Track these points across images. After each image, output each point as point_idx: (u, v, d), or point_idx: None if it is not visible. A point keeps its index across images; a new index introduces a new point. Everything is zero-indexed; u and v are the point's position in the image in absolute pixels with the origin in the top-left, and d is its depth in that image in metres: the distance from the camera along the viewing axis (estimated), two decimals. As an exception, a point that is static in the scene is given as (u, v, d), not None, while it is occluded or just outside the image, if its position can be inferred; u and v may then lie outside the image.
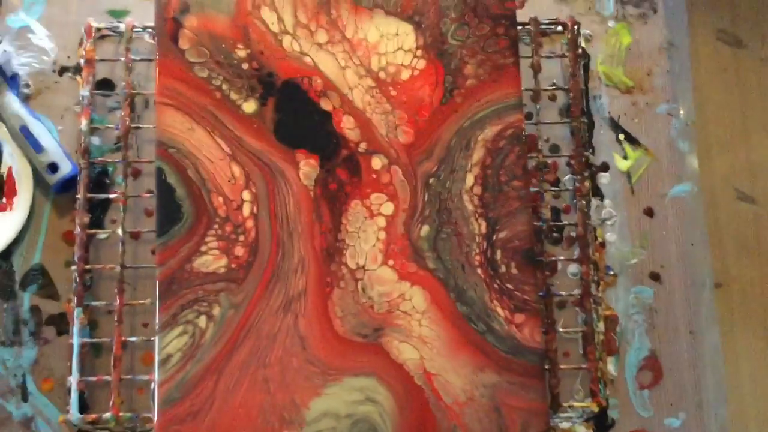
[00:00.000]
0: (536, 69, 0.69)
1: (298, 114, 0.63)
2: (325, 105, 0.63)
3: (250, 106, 0.63)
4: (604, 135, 0.72)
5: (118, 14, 0.72)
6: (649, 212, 0.71)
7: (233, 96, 0.63)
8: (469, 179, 0.63)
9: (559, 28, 0.71)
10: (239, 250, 0.61)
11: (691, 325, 0.69)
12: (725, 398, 0.69)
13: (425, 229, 0.62)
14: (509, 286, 0.62)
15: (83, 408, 0.65)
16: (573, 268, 0.69)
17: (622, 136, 0.72)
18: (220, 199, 0.61)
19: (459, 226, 0.62)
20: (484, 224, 0.62)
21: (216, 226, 0.61)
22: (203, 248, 0.61)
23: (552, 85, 0.72)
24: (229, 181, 0.62)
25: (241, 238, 0.61)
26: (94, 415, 0.63)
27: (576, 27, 0.70)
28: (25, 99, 0.70)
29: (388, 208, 0.62)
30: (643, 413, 0.68)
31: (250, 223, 0.61)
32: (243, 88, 0.63)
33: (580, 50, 0.71)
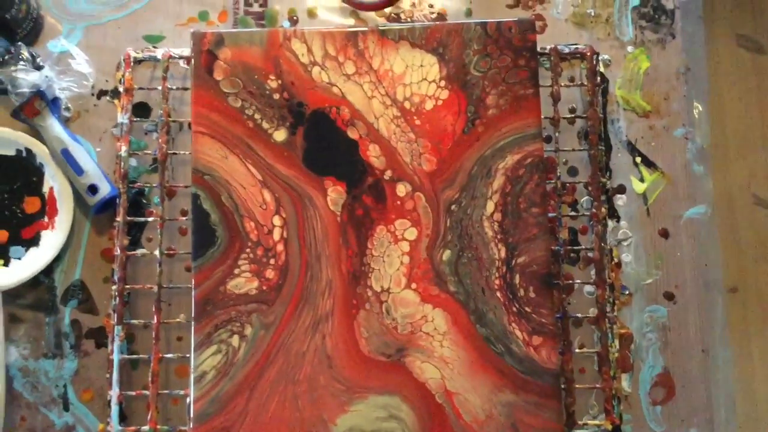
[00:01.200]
0: (556, 98, 0.71)
1: (326, 142, 0.66)
2: (352, 134, 0.66)
3: (280, 135, 0.66)
4: (621, 158, 0.74)
5: (153, 40, 0.75)
6: (665, 233, 0.73)
7: (265, 125, 0.65)
8: (490, 206, 0.65)
9: (579, 55, 0.74)
10: (270, 273, 0.64)
11: (703, 343, 0.72)
12: (735, 415, 0.71)
13: (447, 254, 0.65)
14: (527, 309, 0.64)
15: (122, 419, 0.68)
16: (590, 287, 0.71)
17: (638, 159, 0.74)
18: (252, 223, 0.64)
19: (479, 251, 0.65)
20: (503, 249, 0.65)
21: (248, 250, 0.64)
22: (236, 271, 0.64)
23: (572, 111, 0.74)
24: (260, 206, 0.65)
25: (272, 261, 0.64)
26: (133, 428, 0.67)
27: (595, 56, 0.73)
28: (66, 122, 0.73)
29: (412, 233, 0.65)
30: (655, 428, 0.70)
31: (280, 247, 0.64)
32: (274, 118, 0.66)
33: (598, 78, 0.73)
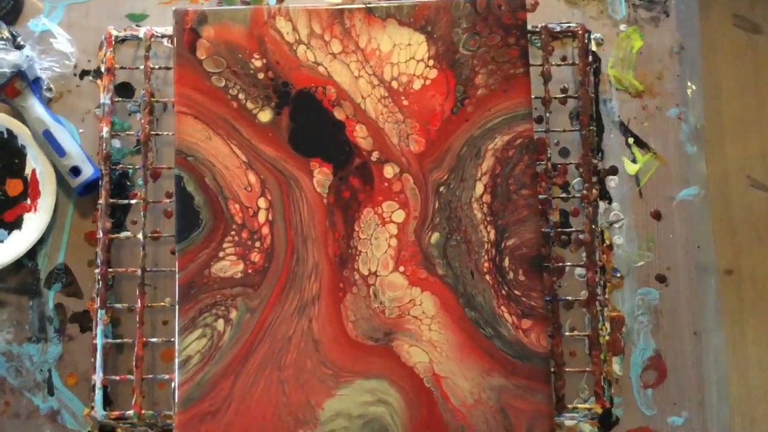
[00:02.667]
0: (547, 77, 0.70)
1: (312, 123, 0.64)
2: (339, 114, 0.64)
3: (265, 116, 0.64)
4: (613, 139, 0.73)
5: (137, 18, 0.73)
6: (657, 215, 0.72)
7: (249, 105, 0.64)
8: (479, 188, 0.64)
9: (570, 33, 0.72)
10: (255, 256, 0.63)
11: (695, 326, 0.71)
12: (727, 398, 0.71)
13: (435, 237, 0.64)
14: (517, 292, 0.63)
15: (106, 403, 0.68)
16: (581, 270, 0.71)
17: (631, 140, 0.73)
18: (237, 206, 0.63)
19: (468, 234, 0.64)
20: (492, 232, 0.64)
21: (233, 233, 0.63)
22: (221, 254, 0.63)
23: (562, 91, 0.72)
24: (245, 188, 0.64)
25: (257, 244, 0.63)
26: (117, 412, 0.66)
27: (586, 35, 0.71)
28: (48, 102, 0.72)
29: (400, 215, 0.64)
30: (646, 411, 0.70)
31: (265, 230, 0.63)
32: (259, 98, 0.64)
33: (590, 56, 0.72)
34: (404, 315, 0.63)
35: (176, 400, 0.62)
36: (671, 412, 0.70)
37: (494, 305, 0.63)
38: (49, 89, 0.72)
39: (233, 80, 0.64)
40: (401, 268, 0.63)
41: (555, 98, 0.71)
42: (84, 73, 0.73)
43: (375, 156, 0.64)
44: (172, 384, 0.64)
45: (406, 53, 0.65)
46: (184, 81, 0.64)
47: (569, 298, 0.70)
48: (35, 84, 0.71)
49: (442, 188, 0.64)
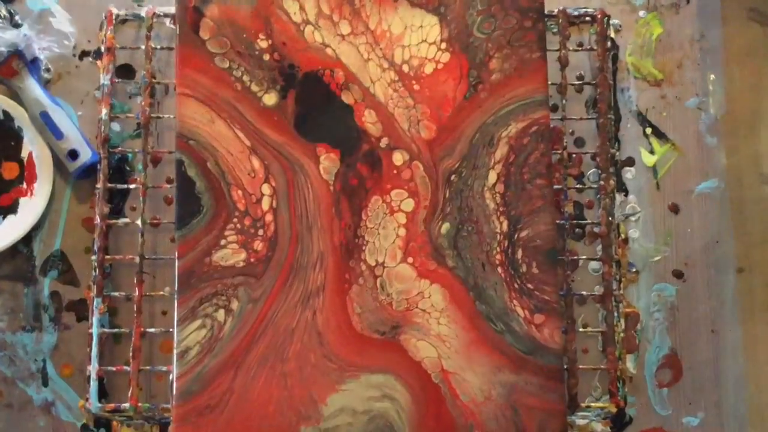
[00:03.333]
0: (564, 63, 0.67)
1: (319, 107, 0.62)
2: (347, 98, 0.62)
3: (270, 99, 0.62)
4: (630, 128, 0.71)
5: (138, -2, 0.71)
6: (675, 209, 0.70)
7: (254, 88, 0.62)
8: (492, 176, 0.62)
9: (588, 18, 0.70)
10: (258, 245, 0.61)
11: (713, 324, 0.69)
12: (744, 398, 0.68)
13: (446, 227, 0.61)
14: (529, 285, 0.61)
15: (103, 394, 0.65)
16: (595, 264, 0.68)
17: (649, 130, 0.71)
18: (240, 192, 0.61)
19: (480, 224, 0.61)
20: (505, 222, 0.61)
21: (235, 220, 0.61)
22: (222, 242, 0.60)
23: (579, 78, 0.70)
24: (248, 174, 0.61)
25: (261, 232, 0.61)
26: (113, 405, 0.64)
27: (606, 19, 0.69)
28: (46, 84, 0.69)
29: (409, 204, 0.61)
30: (661, 411, 0.67)
31: (269, 218, 0.61)
32: (264, 80, 0.62)
33: (609, 43, 0.69)
34: (412, 308, 0.61)
35: (174, 393, 0.59)
36: (687, 411, 0.68)
37: (506, 299, 0.61)
38: (48, 70, 0.70)
39: (237, 61, 0.62)
40: (410, 259, 0.61)
41: (572, 85, 0.69)
42: (84, 54, 0.70)
43: (384, 142, 0.62)
44: (170, 376, 0.61)
45: (418, 35, 0.62)
46: (186, 62, 0.62)
47: (583, 292, 0.67)
48: (33, 64, 0.68)
49: (453, 177, 0.61)
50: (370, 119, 0.62)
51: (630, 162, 0.70)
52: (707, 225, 0.70)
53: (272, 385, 0.60)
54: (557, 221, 0.65)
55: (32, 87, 0.67)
